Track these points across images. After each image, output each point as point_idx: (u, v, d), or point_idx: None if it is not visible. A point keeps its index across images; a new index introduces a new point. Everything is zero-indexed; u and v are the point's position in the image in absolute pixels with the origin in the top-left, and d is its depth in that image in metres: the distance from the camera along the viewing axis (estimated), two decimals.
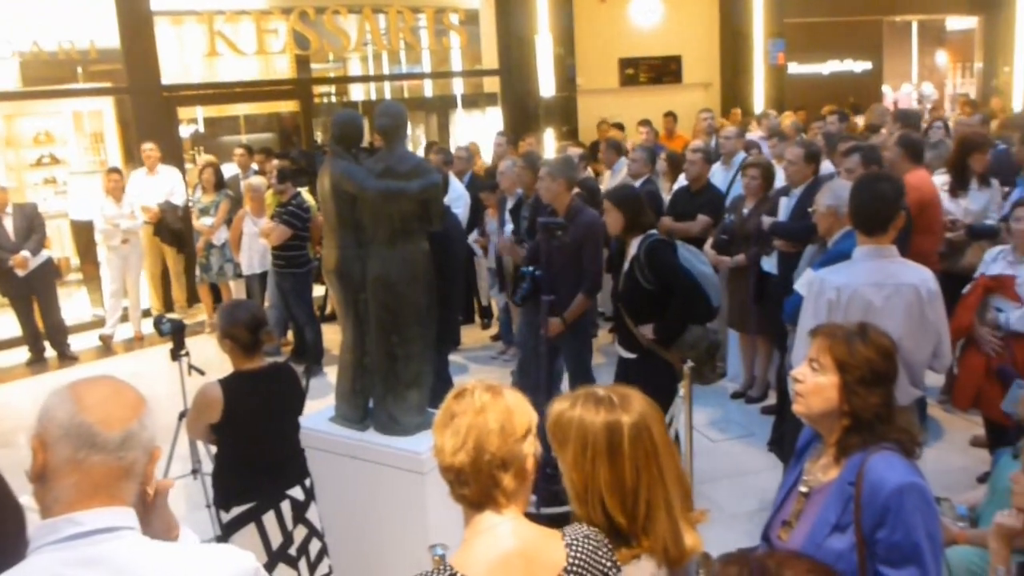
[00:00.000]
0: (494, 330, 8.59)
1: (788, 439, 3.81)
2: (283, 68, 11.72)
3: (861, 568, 2.14)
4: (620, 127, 11.57)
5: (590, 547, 1.89)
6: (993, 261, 4.81)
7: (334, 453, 4.21)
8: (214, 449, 3.74)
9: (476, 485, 1.85)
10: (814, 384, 2.28)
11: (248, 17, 10.77)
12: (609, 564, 1.90)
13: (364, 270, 4.11)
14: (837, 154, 6.14)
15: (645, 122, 10.40)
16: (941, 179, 6.23)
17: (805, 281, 3.80)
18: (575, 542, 1.88)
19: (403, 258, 4.02)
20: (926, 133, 8.46)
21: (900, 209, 3.37)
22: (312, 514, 3.76)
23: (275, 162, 8.34)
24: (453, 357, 7.76)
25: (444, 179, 5.82)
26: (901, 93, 16.05)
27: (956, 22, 17.37)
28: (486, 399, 1.88)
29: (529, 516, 4.69)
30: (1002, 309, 4.57)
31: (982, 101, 13.69)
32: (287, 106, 12.26)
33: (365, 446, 4.16)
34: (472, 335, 8.69)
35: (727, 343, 6.95)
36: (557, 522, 2.01)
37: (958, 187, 6.01)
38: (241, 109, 12.58)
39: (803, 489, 2.34)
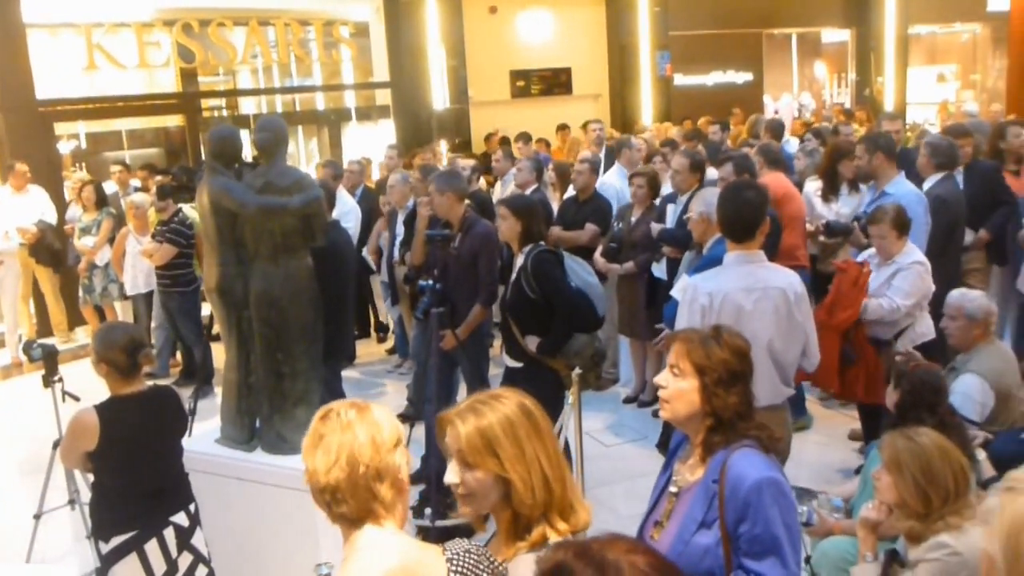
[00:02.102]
0: (390, 343, 8.54)
1: None
2: (169, 81, 11.42)
3: (727, 562, 2.23)
4: (507, 141, 11.64)
5: (471, 561, 1.89)
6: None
7: (220, 475, 4.11)
8: (92, 477, 3.61)
9: (354, 500, 1.84)
10: (676, 390, 2.35)
11: (129, 29, 10.46)
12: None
13: (246, 287, 4.04)
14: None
15: (523, 136, 10.50)
16: (814, 185, 6.53)
17: (680, 287, 3.93)
18: (456, 556, 1.88)
19: (286, 274, 3.97)
20: (802, 141, 8.84)
21: (765, 215, 3.51)
22: (198, 540, 3.66)
23: (158, 178, 8.12)
24: (349, 372, 7.69)
25: (331, 193, 5.77)
26: (781, 103, 16.66)
27: (831, 34, 18.16)
28: (352, 415, 1.88)
29: (424, 529, 4.68)
30: None
31: (855, 111, 14.36)
32: (174, 121, 11.94)
33: (252, 466, 4.08)
34: (368, 349, 8.63)
35: (619, 349, 7.10)
36: (451, 534, 2.02)
37: (829, 192, 6.31)
38: (126, 124, 12.19)
39: (673, 489, 2.41)
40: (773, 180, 5.88)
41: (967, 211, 5.94)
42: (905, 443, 2.98)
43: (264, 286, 3.98)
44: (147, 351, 3.58)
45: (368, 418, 1.88)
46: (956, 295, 4.62)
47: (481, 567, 1.90)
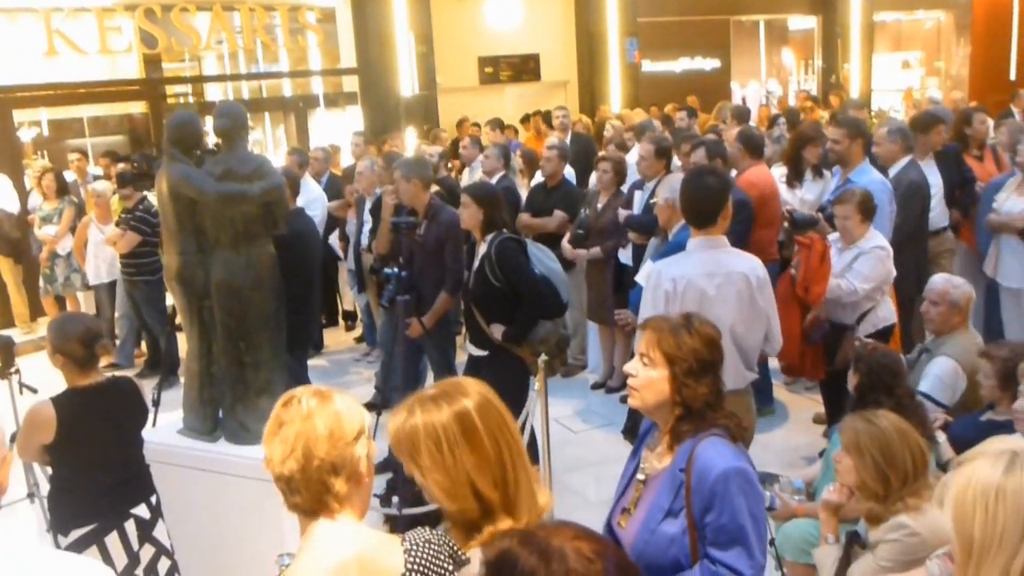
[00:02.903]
0: (358, 332, 8.50)
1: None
2: (131, 68, 11.24)
3: (693, 551, 2.22)
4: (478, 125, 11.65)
5: (431, 551, 1.86)
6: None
7: (182, 466, 4.06)
8: (50, 470, 3.55)
9: (307, 492, 1.82)
10: (646, 379, 2.32)
11: (90, 14, 10.27)
12: (451, 566, 1.90)
13: (207, 276, 3.98)
14: (681, 151, 6.35)
15: (493, 122, 10.48)
16: (779, 171, 6.56)
17: (645, 273, 3.93)
18: (414, 547, 1.86)
19: (247, 262, 3.92)
20: (771, 127, 8.89)
21: (726, 201, 3.50)
22: (160, 532, 3.62)
23: (120, 166, 8.00)
24: (317, 360, 7.65)
25: (295, 181, 5.70)
26: (749, 90, 16.75)
27: (798, 21, 18.27)
28: (313, 404, 1.85)
29: (392, 518, 4.64)
30: None
31: (822, 97, 14.47)
32: (137, 107, 11.77)
33: (214, 457, 4.03)
34: (336, 337, 8.59)
35: (587, 335, 7.11)
36: (420, 523, 2.00)
37: (794, 178, 6.34)
38: (88, 111, 11.98)
39: (640, 477, 2.40)
40: (759, 176, 5.81)
41: (945, 194, 6.06)
42: (864, 426, 3.01)
43: (225, 275, 3.92)
44: (104, 342, 3.52)
45: (329, 408, 1.85)
46: (941, 280, 4.56)
47: (441, 557, 1.88)
